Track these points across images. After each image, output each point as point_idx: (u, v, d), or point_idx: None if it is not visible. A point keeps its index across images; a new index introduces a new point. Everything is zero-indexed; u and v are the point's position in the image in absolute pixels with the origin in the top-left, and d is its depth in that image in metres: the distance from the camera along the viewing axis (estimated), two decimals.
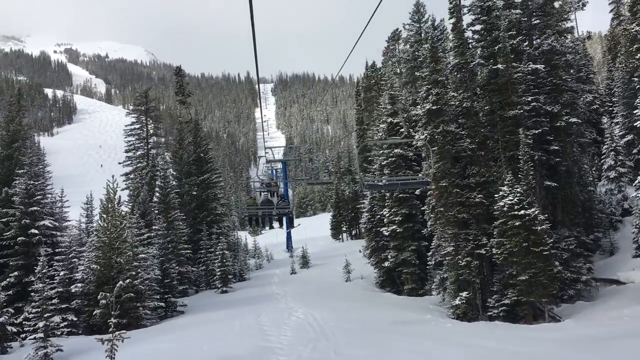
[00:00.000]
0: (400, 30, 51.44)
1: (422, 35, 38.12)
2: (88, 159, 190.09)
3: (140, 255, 26.80)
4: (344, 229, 66.49)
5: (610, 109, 38.53)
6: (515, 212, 22.42)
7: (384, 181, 16.27)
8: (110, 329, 15.29)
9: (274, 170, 58.41)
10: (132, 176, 53.20)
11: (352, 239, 65.50)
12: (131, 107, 63.01)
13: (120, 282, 25.41)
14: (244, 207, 70.27)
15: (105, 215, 27.12)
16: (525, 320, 22.76)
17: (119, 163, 56.12)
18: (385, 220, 31.93)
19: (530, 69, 25.53)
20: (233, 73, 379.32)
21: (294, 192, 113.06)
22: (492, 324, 22.59)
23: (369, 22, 9.79)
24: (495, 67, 24.43)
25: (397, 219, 31.00)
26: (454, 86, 26.53)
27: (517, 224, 22.30)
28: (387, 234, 31.66)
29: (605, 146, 32.22)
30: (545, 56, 26.78)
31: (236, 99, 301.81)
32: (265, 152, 57.09)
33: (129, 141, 54.69)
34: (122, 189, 52.88)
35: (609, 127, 32.39)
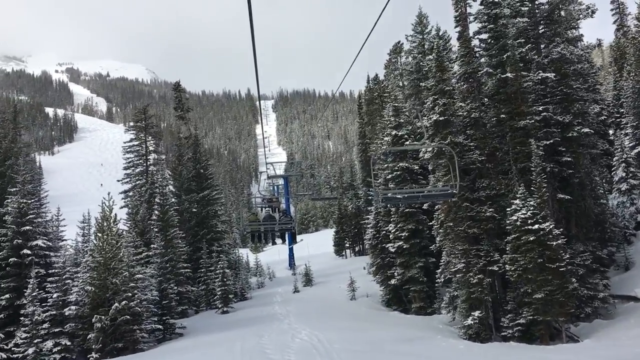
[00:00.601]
0: (402, 43, 50.71)
1: (426, 46, 37.36)
2: (89, 177, 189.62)
3: (137, 276, 25.71)
4: (347, 245, 65.25)
5: (618, 120, 37.58)
6: (529, 227, 21.40)
7: (403, 194, 14.87)
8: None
9: (275, 187, 57.52)
10: (130, 194, 52.15)
11: (356, 255, 64.22)
12: (130, 124, 62.20)
13: (116, 304, 24.35)
14: (246, 223, 69.45)
15: (100, 234, 26.09)
16: (541, 340, 21.62)
17: (118, 180, 55.14)
18: (390, 236, 30.84)
19: (540, 77, 24.63)
20: (234, 90, 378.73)
21: (295, 209, 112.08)
22: (507, 345, 21.47)
23: (368, 36, 9.60)
24: (504, 75, 23.52)
25: (403, 234, 29.91)
26: (460, 96, 25.64)
27: (531, 239, 21.26)
28: (393, 250, 30.56)
29: (616, 158, 31.20)
30: (554, 65, 25.92)
31: (237, 115, 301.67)
32: (267, 168, 56.28)
33: (128, 158, 53.72)
34: (121, 207, 51.92)
35: (618, 138, 31.43)
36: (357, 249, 65.27)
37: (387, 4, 7.98)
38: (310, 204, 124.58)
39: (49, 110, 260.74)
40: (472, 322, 22.24)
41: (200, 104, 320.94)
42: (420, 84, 36.28)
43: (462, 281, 23.14)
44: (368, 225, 35.87)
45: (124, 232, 30.24)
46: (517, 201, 22.01)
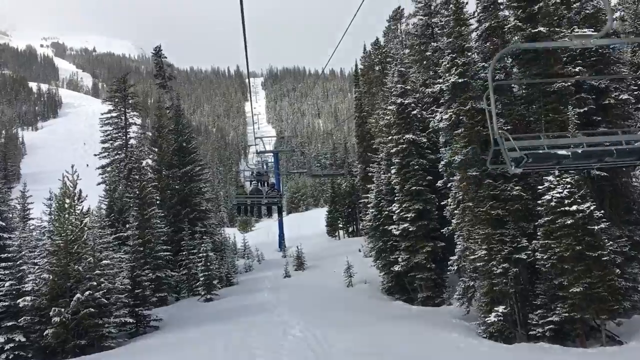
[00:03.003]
0: (403, 9, 47.06)
1: (432, 6, 33.56)
2: (73, 154, 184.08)
3: (104, 262, 22.13)
4: (341, 225, 62.00)
5: None
6: (566, 208, 18.02)
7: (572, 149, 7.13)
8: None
9: (264, 164, 53.93)
10: (109, 169, 48.49)
11: (349, 236, 61.04)
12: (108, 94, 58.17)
13: (78, 295, 20.83)
14: (233, 195, 66.32)
15: (61, 214, 22.44)
16: (578, 341, 18.41)
17: (95, 155, 51.27)
18: (394, 217, 27.43)
19: (575, 34, 21.04)
20: (222, 67, 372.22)
21: (286, 186, 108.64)
22: (538, 346, 18.22)
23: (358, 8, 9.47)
24: (535, 30, 19.90)
25: (409, 215, 26.49)
26: (481, 56, 22.09)
27: (569, 222, 17.90)
28: (397, 233, 27.18)
29: None
30: (588, 21, 22.34)
31: (225, 92, 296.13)
32: (256, 143, 52.64)
33: (106, 131, 49.74)
34: (98, 184, 48.25)
35: None
36: (350, 229, 62.07)
37: None
38: (301, 182, 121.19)
39: (33, 85, 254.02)
40: (496, 319, 18.93)
41: (188, 81, 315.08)
42: (428, 47, 32.68)
43: (484, 271, 19.77)
44: (368, 205, 32.41)
45: (92, 211, 26.54)
46: (550, 177, 18.62)
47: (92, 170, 50.09)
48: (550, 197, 18.29)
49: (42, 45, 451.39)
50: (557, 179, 18.40)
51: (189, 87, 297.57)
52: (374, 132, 37.48)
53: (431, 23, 33.47)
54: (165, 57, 43.79)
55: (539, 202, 18.80)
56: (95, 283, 21.32)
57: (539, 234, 18.83)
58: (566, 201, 18.07)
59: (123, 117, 49.32)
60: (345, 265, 32.83)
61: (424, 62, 33.46)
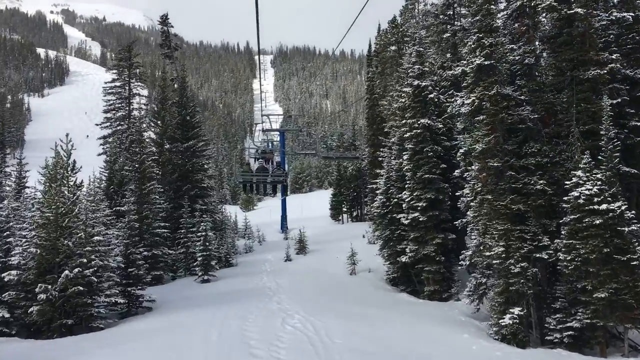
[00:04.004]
0: None
1: None
2: (78, 123, 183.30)
3: (96, 238, 20.83)
4: (345, 209, 60.67)
5: None
6: (595, 207, 16.60)
7: None
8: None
9: (270, 143, 52.50)
10: (110, 140, 47.32)
11: (353, 221, 59.76)
12: (113, 63, 56.71)
13: (67, 272, 19.57)
14: (239, 172, 65.29)
15: (52, 185, 21.10)
16: (598, 349, 17.11)
17: (96, 124, 50.05)
18: (404, 206, 26.02)
19: (614, 17, 19.47)
20: (232, 42, 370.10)
21: (290, 167, 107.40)
22: (555, 353, 16.95)
23: None
24: (571, 11, 18.29)
25: (420, 204, 25.08)
26: (509, 38, 20.51)
27: (597, 222, 16.47)
28: (406, 222, 25.80)
29: None
30: (627, 5, 20.75)
31: (234, 69, 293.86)
32: (262, 121, 51.20)
33: (109, 100, 48.66)
34: (99, 154, 47.07)
35: None
36: (355, 214, 60.78)
37: None
38: (306, 162, 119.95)
39: (41, 51, 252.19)
40: (511, 322, 17.59)
41: (197, 55, 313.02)
42: (447, 28, 31.08)
43: (500, 269, 18.41)
44: (377, 191, 30.97)
45: (90, 183, 25.20)
46: (579, 172, 17.16)
47: (93, 140, 48.93)
48: (578, 194, 16.85)
49: (52, 12, 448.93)
50: (587, 174, 16.95)
51: (197, 61, 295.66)
52: (385, 114, 35.92)
53: (452, 2, 31.83)
54: (172, 27, 42.26)
55: (565, 198, 17.36)
56: (85, 260, 20.05)
57: (563, 232, 17.43)
58: (596, 199, 16.63)
59: (127, 87, 48.11)
60: (348, 251, 31.52)
61: (443, 44, 31.90)
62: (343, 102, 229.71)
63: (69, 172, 21.79)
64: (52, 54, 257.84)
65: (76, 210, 20.81)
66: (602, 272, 16.50)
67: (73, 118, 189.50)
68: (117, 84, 47.98)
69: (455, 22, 30.90)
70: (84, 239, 20.63)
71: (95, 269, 20.36)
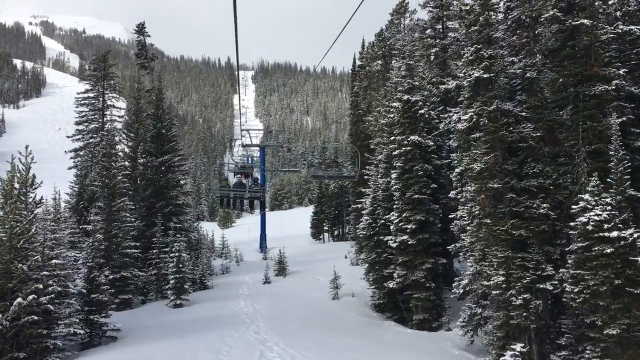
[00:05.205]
0: (408, 2, 44.10)
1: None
2: (54, 135, 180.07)
3: (54, 261, 18.84)
4: (326, 228, 58.90)
5: None
6: (605, 234, 15.15)
7: None
8: None
9: (250, 158, 50.70)
10: (82, 153, 45.11)
11: (334, 240, 58.02)
12: (87, 73, 54.67)
13: (20, 300, 17.54)
14: (216, 187, 63.34)
15: (7, 202, 19.09)
16: None
17: (67, 137, 47.81)
18: (392, 228, 24.42)
19: (619, 31, 18.22)
20: (213, 57, 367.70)
21: (269, 183, 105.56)
22: None
23: (356, 10, 9.62)
24: (577, 22, 16.99)
25: (409, 226, 23.49)
26: (507, 51, 19.17)
27: (608, 251, 15.01)
28: (394, 245, 24.18)
29: None
30: (631, 19, 19.58)
31: (215, 83, 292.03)
32: (242, 135, 49.37)
33: (81, 112, 46.52)
34: (69, 168, 44.87)
35: None
36: (336, 232, 59.07)
37: None
38: (286, 179, 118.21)
39: (17, 62, 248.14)
40: (513, 359, 15.97)
41: (177, 69, 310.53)
42: (436, 42, 29.82)
43: (500, 300, 16.84)
44: (363, 211, 29.33)
45: (45, 201, 23.16)
46: (587, 196, 15.73)
47: (70, 154, 46.72)
48: (586, 220, 15.38)
49: (30, 23, 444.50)
50: (596, 198, 15.52)
51: (177, 76, 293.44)
52: (371, 131, 34.39)
53: (442, 16, 30.63)
54: (149, 36, 40.44)
55: (572, 224, 15.89)
56: (42, 286, 18.03)
57: (569, 261, 15.94)
58: (606, 225, 15.19)
59: (101, 99, 46.05)
60: (331, 274, 29.75)
61: (432, 59, 30.62)
62: (324, 119, 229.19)
63: (28, 188, 19.81)
64: (29, 65, 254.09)
65: (33, 230, 18.82)
66: (613, 306, 15.01)
67: (49, 130, 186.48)
68: (91, 94, 45.91)
69: (446, 37, 29.66)
70: (41, 262, 18.63)
71: (53, 295, 18.35)
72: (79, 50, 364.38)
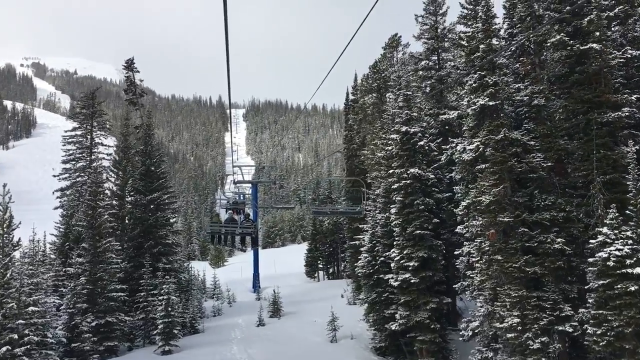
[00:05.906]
0: (400, 36, 43.78)
1: (439, 30, 30.13)
2: (43, 175, 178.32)
3: (31, 308, 17.44)
4: (321, 266, 57.36)
5: None
6: (628, 270, 14.01)
7: None
8: None
9: (241, 195, 49.49)
10: (68, 192, 43.78)
11: (330, 278, 56.42)
12: (75, 111, 53.80)
13: None
14: (208, 224, 61.90)
15: None
16: None
17: (54, 176, 46.47)
18: (393, 266, 23.17)
19: (628, 56, 17.43)
20: (205, 96, 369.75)
21: (261, 220, 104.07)
22: None
23: (347, 46, 9.52)
24: (585, 47, 16.18)
25: (411, 264, 22.22)
26: (512, 77, 18.33)
27: (632, 288, 13.85)
28: (395, 284, 22.87)
29: None
30: (638, 44, 18.85)
31: (206, 122, 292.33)
32: (234, 172, 48.25)
33: (68, 150, 45.30)
34: (55, 208, 43.48)
35: None
36: (331, 270, 57.51)
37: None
38: (278, 215, 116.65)
39: (8, 103, 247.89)
40: None
41: (169, 108, 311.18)
42: (432, 73, 29.14)
43: (515, 344, 15.55)
44: (361, 248, 28.06)
45: (23, 243, 21.77)
46: (605, 230, 14.63)
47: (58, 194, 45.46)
48: (606, 255, 14.25)
49: (22, 65, 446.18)
50: (615, 231, 14.42)
51: (169, 115, 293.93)
52: (367, 164, 33.40)
53: (437, 48, 30.01)
54: (138, 72, 39.64)
55: (590, 260, 14.75)
56: (16, 336, 16.64)
57: (590, 301, 14.73)
58: (628, 261, 14.06)
59: (89, 137, 44.96)
60: (327, 314, 28.28)
61: (428, 90, 29.91)
62: (315, 155, 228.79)
63: (4, 229, 18.54)
64: (19, 106, 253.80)
65: (9, 274, 17.48)
66: (639, 350, 13.77)
67: (38, 170, 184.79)
68: (78, 132, 44.86)
69: (442, 68, 29.00)
70: (17, 310, 17.24)
71: (29, 346, 16.92)
72: (70, 91, 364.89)
